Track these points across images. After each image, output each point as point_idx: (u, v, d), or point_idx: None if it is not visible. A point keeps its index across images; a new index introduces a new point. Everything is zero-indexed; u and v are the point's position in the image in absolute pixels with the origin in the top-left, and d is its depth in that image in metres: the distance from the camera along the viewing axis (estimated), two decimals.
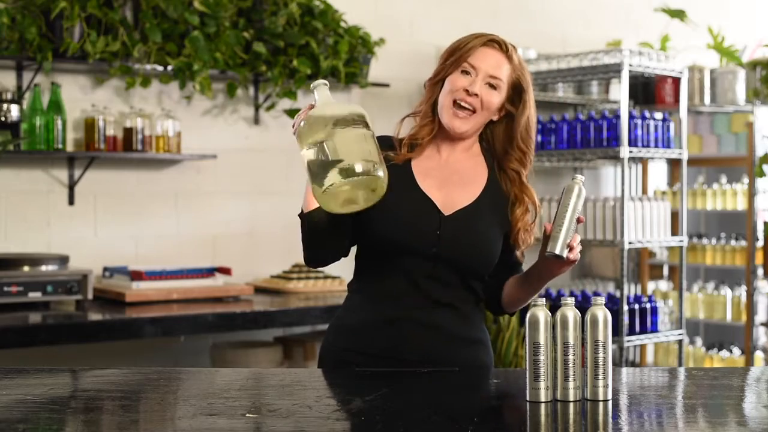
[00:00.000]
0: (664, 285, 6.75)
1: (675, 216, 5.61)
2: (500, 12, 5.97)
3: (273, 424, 1.87)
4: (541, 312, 2.03)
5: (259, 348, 4.77)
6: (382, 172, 2.20)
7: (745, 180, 6.31)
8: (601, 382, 2.02)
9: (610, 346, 2.04)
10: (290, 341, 4.91)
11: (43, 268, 4.17)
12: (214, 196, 5.01)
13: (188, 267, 4.55)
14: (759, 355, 6.19)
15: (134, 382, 2.36)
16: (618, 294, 5.27)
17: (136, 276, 4.34)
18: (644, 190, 6.54)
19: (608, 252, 6.25)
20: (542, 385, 2.00)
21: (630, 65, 4.94)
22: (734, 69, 6.03)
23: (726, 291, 6.42)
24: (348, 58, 5.08)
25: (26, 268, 4.13)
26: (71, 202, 4.61)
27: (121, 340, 4.12)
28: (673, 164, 6.71)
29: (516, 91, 2.45)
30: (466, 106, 2.41)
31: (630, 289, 6.21)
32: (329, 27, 5.04)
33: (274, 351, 4.77)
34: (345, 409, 2.01)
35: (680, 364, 5.37)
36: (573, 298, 2.05)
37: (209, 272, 4.55)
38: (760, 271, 6.13)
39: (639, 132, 4.97)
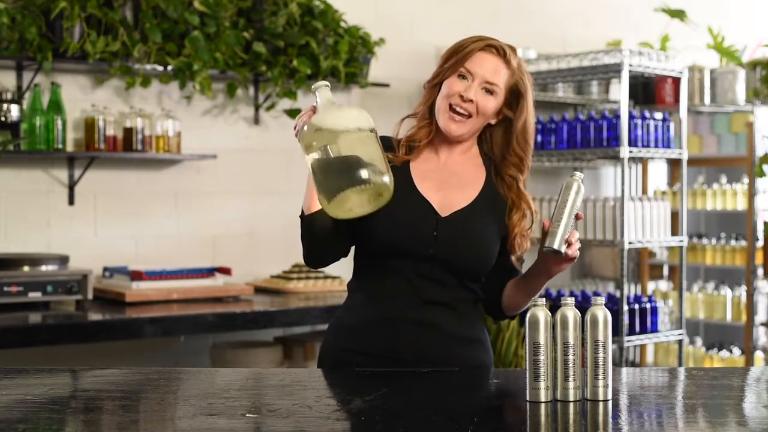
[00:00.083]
0: (664, 285, 6.74)
1: (675, 216, 5.61)
2: (500, 12, 5.96)
3: (273, 424, 1.87)
4: (541, 312, 2.03)
5: (259, 348, 4.77)
6: (388, 178, 2.19)
7: (745, 180, 6.31)
8: (601, 382, 2.02)
9: (610, 346, 2.04)
10: (290, 341, 4.91)
11: (43, 268, 4.17)
12: (214, 196, 5.01)
13: (188, 267, 4.55)
14: (759, 355, 6.19)
15: (134, 382, 2.36)
16: (618, 294, 5.27)
17: (136, 276, 4.34)
18: (644, 190, 6.54)
19: (608, 252, 6.26)
20: (542, 385, 2.00)
21: (630, 65, 4.94)
22: (734, 69, 6.03)
23: (726, 291, 6.42)
24: (348, 58, 5.08)
25: (26, 268, 4.13)
26: (71, 202, 4.61)
27: (121, 340, 4.13)
28: (673, 164, 6.71)
29: (514, 96, 2.44)
30: (462, 111, 2.40)
31: (630, 289, 6.21)
32: (329, 27, 5.04)
33: (274, 351, 4.77)
34: (345, 409, 2.01)
35: (680, 364, 5.37)
36: (573, 298, 2.05)
37: (209, 272, 4.55)
38: (760, 271, 6.13)
39: (639, 132, 4.97)
